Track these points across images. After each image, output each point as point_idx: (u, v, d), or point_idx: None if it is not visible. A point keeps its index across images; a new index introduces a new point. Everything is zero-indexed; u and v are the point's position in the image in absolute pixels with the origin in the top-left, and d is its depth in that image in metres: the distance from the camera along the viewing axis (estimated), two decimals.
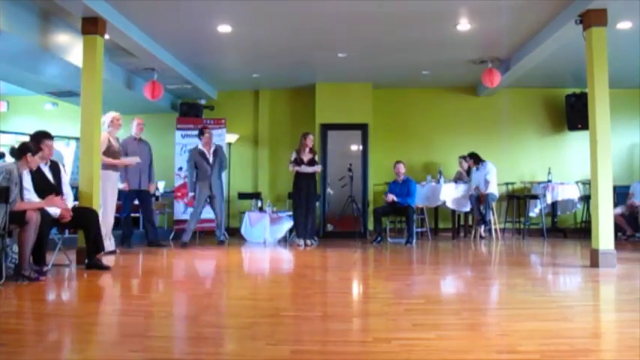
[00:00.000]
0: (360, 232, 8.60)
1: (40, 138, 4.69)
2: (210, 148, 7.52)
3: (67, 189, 4.95)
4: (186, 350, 2.45)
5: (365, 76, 8.72)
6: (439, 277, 4.87)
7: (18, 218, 4.11)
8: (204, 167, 7.38)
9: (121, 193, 6.79)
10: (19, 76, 6.99)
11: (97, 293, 4.14)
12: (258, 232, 7.99)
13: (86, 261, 4.90)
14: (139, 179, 6.91)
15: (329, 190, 9.06)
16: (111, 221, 6.27)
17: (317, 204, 8.07)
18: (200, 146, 7.50)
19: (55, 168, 4.90)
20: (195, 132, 8.79)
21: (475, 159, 8.21)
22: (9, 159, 4.72)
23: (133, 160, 6.61)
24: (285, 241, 7.99)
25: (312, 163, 7.38)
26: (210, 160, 7.44)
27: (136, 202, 7.08)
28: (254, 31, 6.50)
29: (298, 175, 7.35)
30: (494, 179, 8.06)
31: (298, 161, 7.35)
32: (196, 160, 7.39)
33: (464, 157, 8.41)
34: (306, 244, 7.29)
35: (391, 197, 7.70)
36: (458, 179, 8.61)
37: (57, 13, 5.67)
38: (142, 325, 2.99)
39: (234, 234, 8.68)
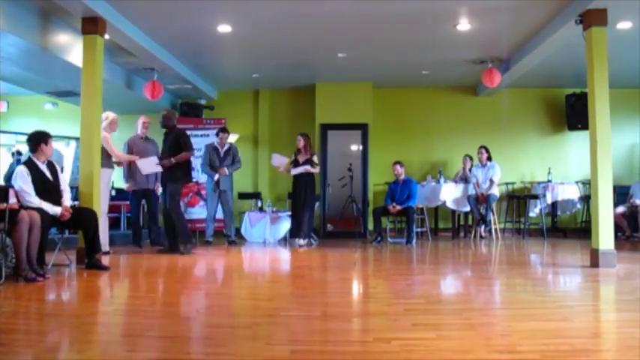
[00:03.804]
0: (360, 232, 8.59)
1: (46, 138, 4.80)
2: (224, 146, 7.66)
3: (64, 185, 4.96)
4: (186, 350, 2.44)
5: (365, 76, 8.72)
6: (439, 277, 4.87)
7: (9, 218, 4.08)
8: (215, 163, 7.53)
9: (128, 192, 6.90)
10: (19, 76, 6.99)
11: (96, 293, 4.14)
12: (258, 232, 8.01)
13: (85, 261, 4.91)
14: (146, 178, 6.93)
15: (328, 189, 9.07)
16: (104, 221, 6.09)
17: (316, 204, 8.06)
18: (215, 143, 7.69)
19: (52, 167, 4.91)
20: (196, 132, 8.88)
21: (489, 153, 8.26)
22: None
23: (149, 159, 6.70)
24: (285, 241, 7.98)
25: (307, 163, 7.41)
26: (222, 156, 7.60)
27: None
28: (254, 31, 6.50)
29: (294, 175, 7.48)
30: (497, 180, 8.12)
31: (294, 162, 7.49)
32: (210, 156, 7.58)
33: (482, 147, 8.34)
34: (299, 245, 7.33)
35: (396, 209, 7.69)
36: (461, 179, 8.61)
37: (57, 13, 5.67)
38: (142, 325, 2.99)
39: (235, 234, 8.67)
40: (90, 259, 4.88)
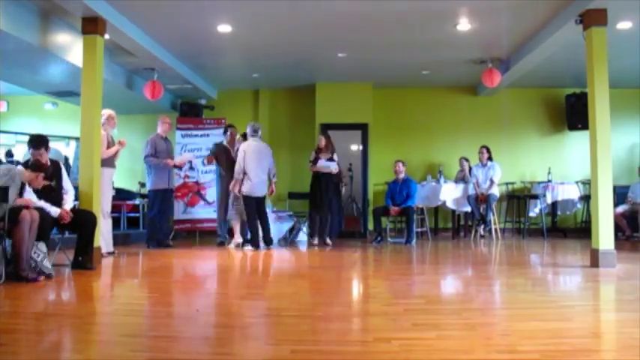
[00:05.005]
0: (360, 232, 8.60)
1: (32, 144, 4.74)
2: (235, 147, 7.39)
3: (67, 186, 4.95)
4: (186, 350, 2.44)
5: (365, 76, 8.72)
6: (439, 277, 4.87)
7: (11, 217, 4.09)
8: (226, 164, 7.29)
9: (149, 192, 7.00)
10: (19, 76, 6.99)
11: (96, 293, 4.14)
12: None
13: (73, 260, 4.89)
14: (167, 178, 6.96)
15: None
16: (108, 222, 6.08)
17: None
18: (225, 143, 7.48)
19: (55, 167, 4.90)
20: (196, 132, 8.88)
21: (489, 153, 8.28)
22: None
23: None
24: (285, 240, 7.98)
25: (330, 161, 7.43)
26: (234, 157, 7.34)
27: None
28: (254, 30, 6.50)
29: (316, 173, 7.42)
30: (497, 180, 8.14)
31: (316, 161, 7.43)
32: (220, 156, 7.36)
33: (484, 147, 8.35)
34: (325, 243, 7.34)
35: (396, 211, 7.72)
36: (460, 179, 8.60)
37: (57, 13, 5.67)
38: (142, 325, 3.00)
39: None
40: (76, 258, 4.86)
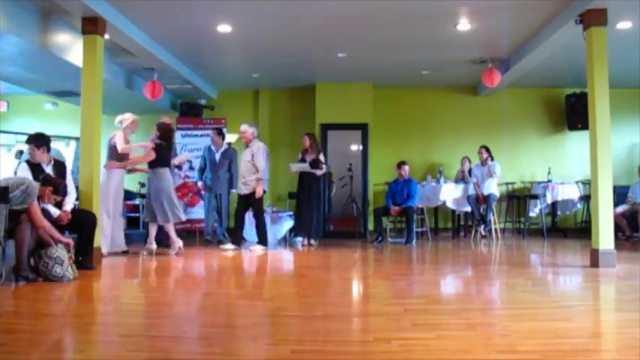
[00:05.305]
0: (360, 232, 8.60)
1: (32, 142, 4.79)
2: (220, 148, 7.74)
3: (70, 187, 4.96)
4: (186, 350, 2.44)
5: (365, 76, 8.72)
6: (439, 277, 4.87)
7: (12, 217, 4.08)
8: (209, 165, 7.74)
9: (135, 193, 6.98)
10: (19, 76, 6.99)
11: (96, 293, 4.14)
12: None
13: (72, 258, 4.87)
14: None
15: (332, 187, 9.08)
16: (119, 220, 6.20)
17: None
18: (211, 144, 7.86)
19: (59, 168, 4.91)
20: (196, 132, 8.93)
21: (489, 153, 8.29)
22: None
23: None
24: (285, 241, 7.98)
25: (315, 162, 7.35)
26: (217, 158, 7.72)
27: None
28: (254, 31, 6.50)
29: (301, 174, 7.39)
30: (499, 172, 8.17)
31: (302, 162, 7.40)
32: (205, 156, 7.83)
33: (483, 147, 8.35)
34: (304, 244, 7.33)
35: (396, 211, 7.74)
36: (460, 179, 8.60)
37: (57, 13, 5.67)
38: (142, 325, 3.00)
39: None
40: (76, 258, 4.84)
